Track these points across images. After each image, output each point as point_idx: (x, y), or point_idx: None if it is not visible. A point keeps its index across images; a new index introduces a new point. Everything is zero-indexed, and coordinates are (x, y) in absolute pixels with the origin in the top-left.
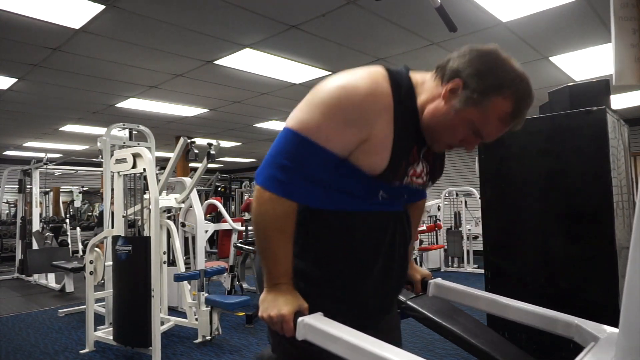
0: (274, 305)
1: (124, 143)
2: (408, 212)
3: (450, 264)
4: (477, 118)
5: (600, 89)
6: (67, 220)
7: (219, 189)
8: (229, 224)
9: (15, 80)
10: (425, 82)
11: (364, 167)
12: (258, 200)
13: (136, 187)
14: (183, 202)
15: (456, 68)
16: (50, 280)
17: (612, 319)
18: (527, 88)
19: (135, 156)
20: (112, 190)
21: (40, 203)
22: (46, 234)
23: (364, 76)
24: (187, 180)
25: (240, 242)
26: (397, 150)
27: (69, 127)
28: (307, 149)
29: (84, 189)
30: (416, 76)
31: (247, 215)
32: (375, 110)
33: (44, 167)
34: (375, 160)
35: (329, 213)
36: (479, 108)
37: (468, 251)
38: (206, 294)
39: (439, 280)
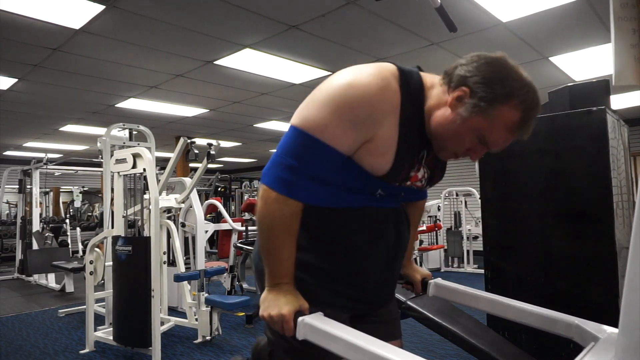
0: (275, 304)
1: (124, 143)
2: (406, 211)
3: (450, 264)
4: (484, 127)
5: (600, 89)
6: (67, 221)
7: (219, 189)
8: (229, 224)
9: (15, 80)
10: (433, 87)
11: (367, 167)
12: (265, 200)
13: (136, 187)
14: (183, 202)
15: (463, 75)
16: (50, 280)
17: (612, 319)
18: (535, 97)
19: (135, 156)
20: (112, 190)
21: (40, 203)
22: (46, 234)
23: (374, 74)
24: (187, 180)
25: (240, 242)
26: (401, 154)
27: (69, 127)
28: (314, 148)
29: (84, 189)
30: (426, 78)
31: (247, 216)
32: (384, 110)
33: (44, 167)
34: (378, 161)
35: (330, 210)
36: (485, 116)
37: (468, 251)
38: (206, 294)
39: (439, 280)
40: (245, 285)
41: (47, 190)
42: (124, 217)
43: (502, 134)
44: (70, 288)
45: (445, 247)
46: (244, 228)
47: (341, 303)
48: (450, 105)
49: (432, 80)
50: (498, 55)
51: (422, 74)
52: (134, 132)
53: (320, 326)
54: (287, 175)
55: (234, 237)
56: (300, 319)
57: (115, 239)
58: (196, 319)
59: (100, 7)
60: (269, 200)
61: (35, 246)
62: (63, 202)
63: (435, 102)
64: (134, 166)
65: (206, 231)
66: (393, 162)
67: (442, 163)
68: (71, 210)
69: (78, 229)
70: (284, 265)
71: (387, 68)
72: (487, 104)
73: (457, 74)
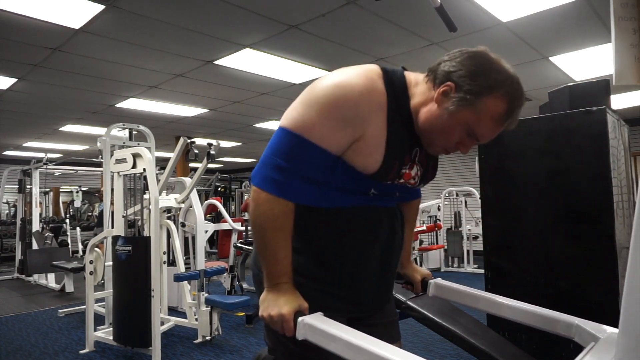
0: (275, 304)
1: (124, 143)
2: (402, 210)
3: (450, 264)
4: (471, 119)
5: (600, 89)
6: (67, 221)
7: (219, 189)
8: (229, 224)
9: (15, 80)
10: (418, 84)
11: (357, 166)
12: (255, 201)
13: (136, 187)
14: (183, 202)
15: (447, 71)
16: (50, 280)
17: (612, 319)
18: (519, 88)
19: (135, 156)
20: (112, 190)
21: (40, 203)
22: (46, 234)
23: (360, 74)
24: (187, 180)
25: (240, 242)
26: (390, 152)
27: (69, 127)
28: (303, 148)
29: (82, 189)
30: (410, 77)
31: (247, 215)
32: (371, 109)
33: (44, 167)
34: (368, 160)
35: (324, 210)
36: (472, 109)
37: (468, 251)
38: (206, 294)
39: (439, 280)
40: (245, 285)
41: (47, 190)
42: (124, 217)
43: (490, 125)
44: (70, 288)
45: (445, 247)
46: (244, 228)
47: (337, 306)
48: (437, 101)
49: (416, 78)
50: (480, 49)
51: (406, 72)
52: (134, 132)
53: (320, 326)
54: (276, 175)
55: (234, 237)
56: (300, 319)
57: (115, 239)
58: (196, 319)
59: (100, 7)
60: (259, 200)
61: (35, 246)
62: (63, 202)
63: (422, 99)
64: (134, 166)
65: (206, 231)
66: (383, 160)
67: (434, 161)
68: (71, 210)
69: (78, 228)
70: (280, 265)
71: (371, 69)
72: (473, 96)
73: (441, 70)
